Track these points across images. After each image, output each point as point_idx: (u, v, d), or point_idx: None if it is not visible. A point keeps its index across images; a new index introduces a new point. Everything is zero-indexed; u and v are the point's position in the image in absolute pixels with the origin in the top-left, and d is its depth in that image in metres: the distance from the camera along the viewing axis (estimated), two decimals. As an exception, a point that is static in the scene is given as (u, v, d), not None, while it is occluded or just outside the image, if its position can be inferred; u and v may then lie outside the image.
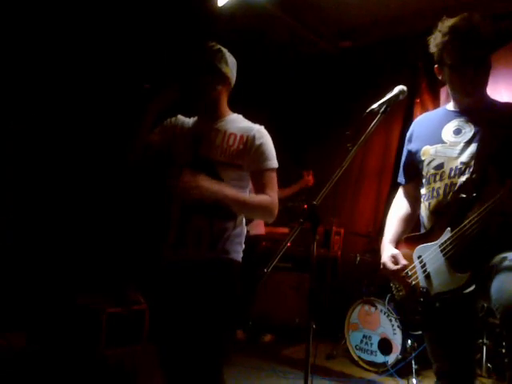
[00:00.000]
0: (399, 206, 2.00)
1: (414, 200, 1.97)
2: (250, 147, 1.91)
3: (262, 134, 1.95)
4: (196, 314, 1.84)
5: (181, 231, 1.92)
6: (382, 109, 1.66)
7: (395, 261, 1.82)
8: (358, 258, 4.24)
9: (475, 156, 1.67)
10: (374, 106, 1.67)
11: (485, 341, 3.40)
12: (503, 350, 3.42)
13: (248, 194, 2.03)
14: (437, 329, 1.76)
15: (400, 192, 2.04)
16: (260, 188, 1.93)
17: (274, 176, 1.96)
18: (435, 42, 1.75)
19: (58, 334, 3.72)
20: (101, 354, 3.68)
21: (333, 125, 4.96)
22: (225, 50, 1.99)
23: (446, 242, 1.68)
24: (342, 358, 3.97)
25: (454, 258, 1.65)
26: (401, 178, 2.01)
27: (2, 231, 3.85)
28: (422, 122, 1.94)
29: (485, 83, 1.76)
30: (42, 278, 3.98)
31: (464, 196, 1.65)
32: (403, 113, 4.69)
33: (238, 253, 1.95)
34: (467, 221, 1.61)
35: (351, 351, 3.84)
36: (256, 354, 4.12)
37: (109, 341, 3.82)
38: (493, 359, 3.39)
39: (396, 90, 1.71)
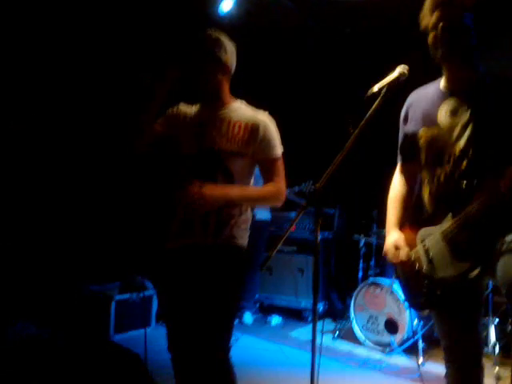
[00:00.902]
0: (399, 185, 1.99)
1: (412, 177, 1.95)
2: (256, 136, 1.93)
3: (267, 122, 1.97)
4: (203, 297, 1.87)
5: (187, 217, 1.94)
6: (383, 91, 1.64)
7: (397, 248, 1.82)
8: (364, 240, 4.25)
9: (473, 140, 1.64)
10: (375, 88, 1.64)
11: (491, 319, 3.42)
12: (509, 327, 3.45)
13: (252, 184, 2.05)
14: (443, 306, 1.77)
15: (398, 170, 2.01)
16: (267, 176, 1.98)
17: (280, 163, 1.99)
18: (422, 14, 1.73)
19: (68, 320, 3.78)
20: (109, 338, 3.75)
21: (337, 110, 4.92)
22: (223, 38, 1.98)
23: (447, 228, 1.67)
24: (349, 339, 4.00)
25: (456, 244, 1.65)
26: (399, 159, 1.98)
27: (15, 219, 3.89)
28: (415, 101, 1.88)
29: (468, 52, 1.69)
30: (52, 266, 4.03)
31: (464, 183, 1.63)
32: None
33: (243, 239, 1.98)
34: (468, 208, 1.60)
35: (357, 331, 3.88)
36: (263, 335, 4.17)
37: (118, 326, 3.89)
38: (499, 336, 3.42)
39: (396, 71, 1.68)
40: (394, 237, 1.86)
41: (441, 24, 1.65)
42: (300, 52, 5.00)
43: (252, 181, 2.06)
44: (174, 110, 2.08)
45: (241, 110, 2.00)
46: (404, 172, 1.99)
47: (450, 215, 1.67)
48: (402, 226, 1.91)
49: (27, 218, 4.01)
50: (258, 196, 1.98)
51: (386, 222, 1.95)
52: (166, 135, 2.02)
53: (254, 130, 1.93)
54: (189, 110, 2.08)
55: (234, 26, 3.85)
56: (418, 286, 1.78)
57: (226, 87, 2.02)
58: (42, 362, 2.67)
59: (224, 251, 1.91)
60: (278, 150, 1.98)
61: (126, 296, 4.03)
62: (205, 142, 1.94)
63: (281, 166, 1.99)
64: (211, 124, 1.97)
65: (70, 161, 4.20)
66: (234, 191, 1.89)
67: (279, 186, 1.96)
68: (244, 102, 2.06)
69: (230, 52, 1.98)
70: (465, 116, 1.68)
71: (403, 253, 1.80)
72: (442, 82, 1.80)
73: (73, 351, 2.87)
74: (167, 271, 2.01)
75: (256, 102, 2.06)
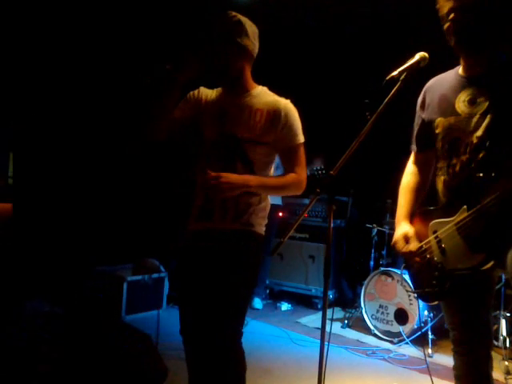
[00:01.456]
0: (411, 175, 1.94)
1: (426, 167, 1.90)
2: (278, 124, 1.89)
3: (289, 109, 1.93)
4: (217, 281, 1.88)
5: (207, 203, 1.94)
6: (402, 76, 1.60)
7: (407, 240, 1.79)
8: (376, 229, 4.23)
9: (491, 129, 1.60)
10: (394, 73, 1.61)
11: (502, 312, 3.39)
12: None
13: (273, 172, 2.03)
14: (453, 298, 1.75)
15: (412, 159, 1.96)
16: (288, 164, 1.95)
17: (301, 151, 1.96)
18: (440, 2, 1.69)
19: (81, 300, 3.84)
20: (121, 319, 3.80)
21: (352, 94, 4.86)
22: (245, 21, 1.91)
23: (462, 220, 1.63)
24: (358, 327, 4.02)
25: (470, 237, 1.61)
26: (414, 146, 1.93)
27: (32, 201, 3.95)
28: (433, 87, 1.83)
29: (483, 43, 1.64)
30: (67, 246, 4.09)
31: (481, 175, 1.59)
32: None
33: (261, 226, 1.98)
34: (485, 202, 1.56)
35: (367, 320, 3.88)
36: (273, 321, 4.20)
37: (129, 307, 3.95)
38: (510, 331, 3.39)
39: (417, 56, 1.64)
40: (404, 228, 1.83)
41: (452, 15, 1.61)
42: (316, 36, 4.93)
43: (272, 170, 2.04)
44: (195, 94, 2.03)
45: (263, 97, 1.96)
46: (418, 162, 1.94)
47: (464, 207, 1.63)
48: (412, 215, 1.88)
49: (44, 200, 4.06)
50: (278, 185, 1.95)
51: (397, 213, 1.91)
52: (187, 119, 1.98)
53: (275, 116, 1.89)
54: (210, 94, 2.03)
55: (250, 9, 3.80)
56: (428, 276, 1.76)
57: (247, 72, 1.97)
58: (54, 338, 2.72)
59: (241, 237, 1.91)
60: (300, 137, 1.94)
61: (139, 277, 4.08)
62: (225, 129, 1.91)
63: (302, 155, 1.95)
64: (232, 111, 1.93)
65: (86, 144, 4.23)
66: (253, 180, 1.86)
67: (300, 174, 1.94)
68: (266, 88, 2.00)
69: (251, 36, 1.91)
70: (483, 105, 1.63)
71: (413, 244, 1.78)
72: (459, 70, 1.76)
73: (85, 330, 2.92)
74: (184, 253, 2.02)
75: (270, 86, 2.03)
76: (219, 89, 2.04)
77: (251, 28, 1.93)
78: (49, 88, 4.00)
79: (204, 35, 1.95)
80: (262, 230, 1.98)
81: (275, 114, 1.89)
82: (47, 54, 3.91)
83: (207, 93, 2.03)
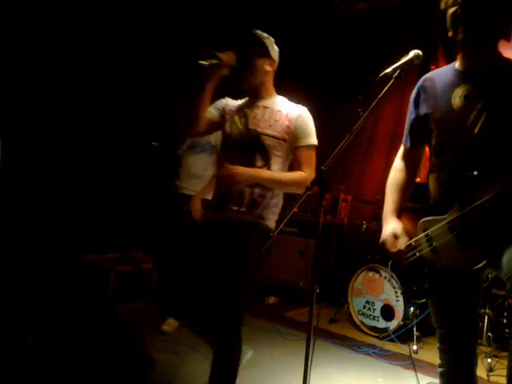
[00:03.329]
0: (400, 171, 1.91)
1: (416, 164, 1.89)
2: (294, 124, 2.12)
3: (306, 114, 2.17)
4: (223, 267, 2.00)
5: (223, 194, 2.11)
6: (396, 73, 1.59)
7: (396, 237, 1.77)
8: (365, 225, 4.25)
9: (488, 127, 1.57)
10: (388, 70, 1.59)
11: (487, 311, 3.43)
12: (504, 320, 3.46)
13: (284, 171, 2.18)
14: (441, 296, 1.75)
15: (402, 154, 1.93)
16: (298, 163, 2.13)
17: (312, 152, 2.14)
18: None
19: (68, 290, 3.82)
20: (108, 310, 3.79)
21: (345, 89, 4.86)
22: (272, 38, 2.20)
23: (455, 220, 1.61)
24: (345, 322, 4.04)
25: (463, 237, 1.59)
26: (406, 142, 1.90)
27: (16, 186, 3.90)
28: (428, 82, 1.79)
29: (491, 34, 1.60)
30: (54, 236, 4.05)
31: (476, 174, 1.56)
32: (417, 78, 4.57)
33: (271, 221, 2.14)
34: (479, 201, 1.53)
35: (354, 316, 3.91)
36: (260, 315, 4.20)
37: (116, 297, 3.93)
38: (494, 329, 3.44)
39: (411, 54, 1.63)
40: (392, 225, 1.81)
41: (466, 7, 1.55)
42: (309, 27, 4.91)
43: (286, 169, 2.19)
44: (222, 101, 2.29)
45: (283, 102, 2.21)
46: (407, 157, 1.91)
47: (457, 206, 1.60)
48: (399, 211, 1.86)
49: (31, 187, 4.01)
50: (287, 180, 2.10)
51: (384, 209, 1.89)
52: (214, 122, 2.22)
53: (293, 118, 2.12)
54: (235, 102, 2.29)
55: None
56: (417, 274, 1.75)
57: (271, 82, 2.23)
58: (39, 326, 2.70)
59: (254, 228, 2.06)
60: (312, 139, 2.14)
61: (126, 268, 4.05)
62: (248, 125, 2.13)
63: (312, 156, 2.13)
64: (255, 111, 2.17)
65: (74, 134, 4.18)
66: (263, 173, 2.06)
67: (308, 173, 2.09)
68: (286, 98, 2.23)
69: (276, 50, 2.22)
70: (480, 101, 1.60)
71: (402, 242, 1.76)
72: (457, 64, 1.72)
73: (71, 321, 2.91)
74: (196, 239, 2.15)
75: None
76: (244, 99, 2.28)
77: (275, 45, 2.23)
78: (36, 77, 3.94)
79: (240, 42, 2.18)
80: (271, 224, 2.14)
81: (293, 116, 2.13)
82: (35, 46, 3.86)
83: (232, 101, 2.29)
